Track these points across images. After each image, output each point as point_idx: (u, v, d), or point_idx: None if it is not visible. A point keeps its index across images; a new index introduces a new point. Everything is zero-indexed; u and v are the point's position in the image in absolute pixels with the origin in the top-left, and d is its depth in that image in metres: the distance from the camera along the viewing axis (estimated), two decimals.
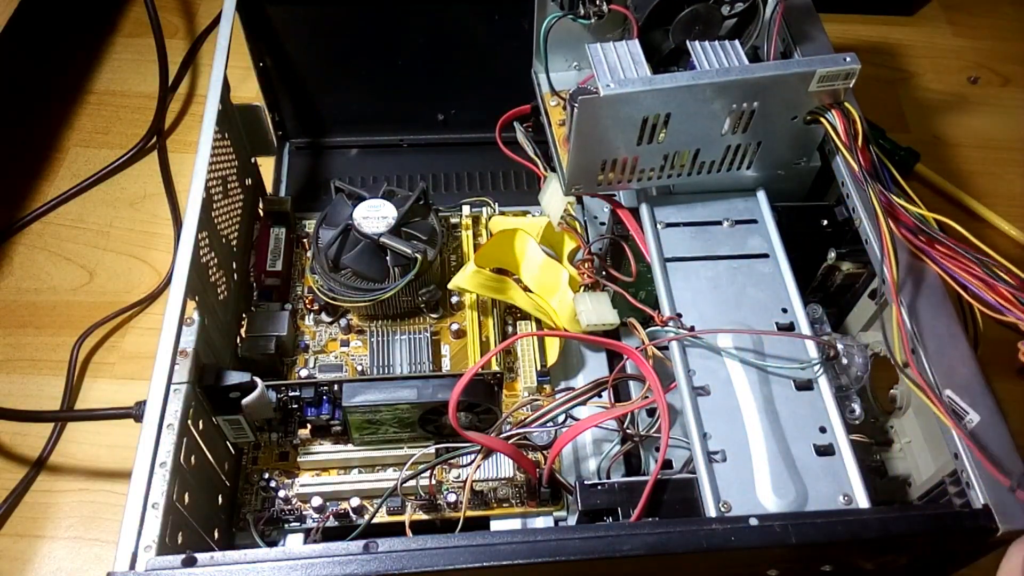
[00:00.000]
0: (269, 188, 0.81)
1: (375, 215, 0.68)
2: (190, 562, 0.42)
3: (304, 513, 0.61)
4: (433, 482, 0.61)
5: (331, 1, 0.75)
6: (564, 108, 0.66)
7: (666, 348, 0.57)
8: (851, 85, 0.57)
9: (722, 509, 0.49)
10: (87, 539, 0.69)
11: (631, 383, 0.66)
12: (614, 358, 0.70)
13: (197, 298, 0.56)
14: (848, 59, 0.56)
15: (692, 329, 0.56)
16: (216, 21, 0.99)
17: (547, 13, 0.63)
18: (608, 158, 0.58)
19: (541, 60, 0.66)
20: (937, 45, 1.10)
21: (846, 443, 0.52)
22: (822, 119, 0.58)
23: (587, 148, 0.57)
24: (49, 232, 0.87)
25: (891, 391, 0.58)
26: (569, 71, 0.69)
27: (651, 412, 0.63)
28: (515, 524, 0.63)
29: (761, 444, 0.52)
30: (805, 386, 0.54)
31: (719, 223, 0.62)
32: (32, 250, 0.85)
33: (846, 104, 0.58)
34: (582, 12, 0.62)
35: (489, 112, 0.78)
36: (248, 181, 0.73)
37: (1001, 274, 0.50)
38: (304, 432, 0.64)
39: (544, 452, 0.60)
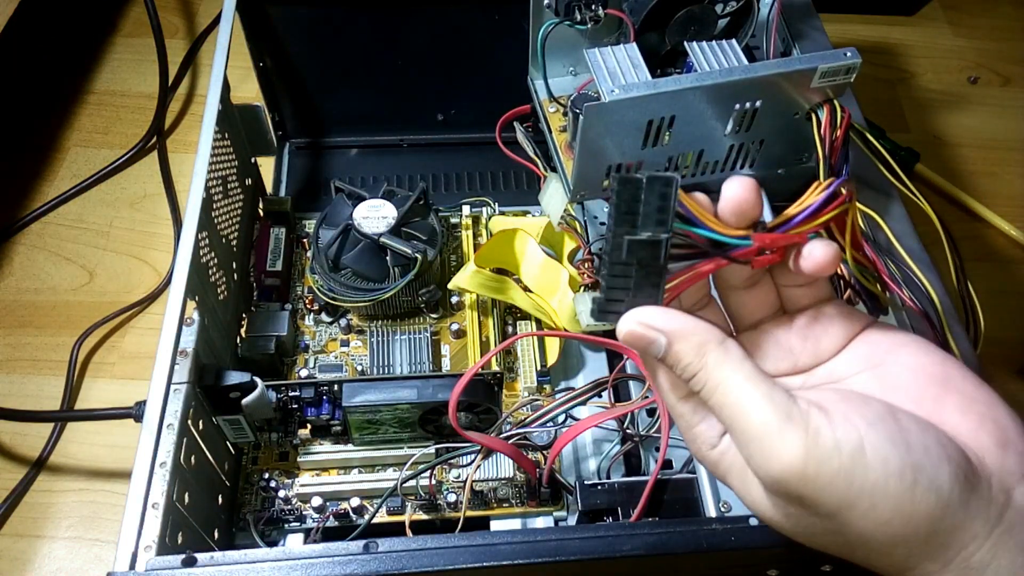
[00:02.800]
0: (269, 188, 0.81)
1: (375, 215, 0.68)
2: (190, 562, 0.42)
3: (304, 513, 0.61)
4: (433, 482, 0.61)
5: (331, 1, 0.75)
6: (564, 114, 0.66)
7: None
8: (852, 80, 0.57)
9: (722, 509, 0.49)
10: (87, 539, 0.69)
11: (631, 383, 0.66)
12: (614, 358, 0.70)
13: (197, 298, 0.56)
14: (849, 54, 0.56)
15: None
16: (216, 21, 0.99)
17: (543, 20, 0.63)
18: (613, 163, 0.58)
19: (539, 67, 0.65)
20: (937, 45, 1.10)
21: None
22: (814, 115, 0.58)
23: (592, 154, 0.57)
24: (49, 232, 0.87)
25: None
26: (565, 76, 0.68)
27: (651, 412, 0.63)
28: (515, 524, 0.62)
29: None
30: None
31: None
32: (32, 250, 0.85)
33: (835, 101, 0.58)
34: (578, 18, 0.62)
35: (489, 112, 0.77)
36: (248, 181, 0.73)
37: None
38: (304, 432, 0.63)
39: (544, 452, 0.60)
